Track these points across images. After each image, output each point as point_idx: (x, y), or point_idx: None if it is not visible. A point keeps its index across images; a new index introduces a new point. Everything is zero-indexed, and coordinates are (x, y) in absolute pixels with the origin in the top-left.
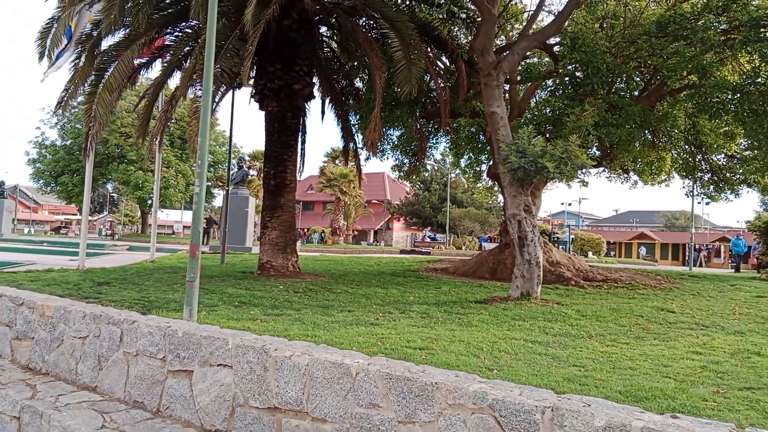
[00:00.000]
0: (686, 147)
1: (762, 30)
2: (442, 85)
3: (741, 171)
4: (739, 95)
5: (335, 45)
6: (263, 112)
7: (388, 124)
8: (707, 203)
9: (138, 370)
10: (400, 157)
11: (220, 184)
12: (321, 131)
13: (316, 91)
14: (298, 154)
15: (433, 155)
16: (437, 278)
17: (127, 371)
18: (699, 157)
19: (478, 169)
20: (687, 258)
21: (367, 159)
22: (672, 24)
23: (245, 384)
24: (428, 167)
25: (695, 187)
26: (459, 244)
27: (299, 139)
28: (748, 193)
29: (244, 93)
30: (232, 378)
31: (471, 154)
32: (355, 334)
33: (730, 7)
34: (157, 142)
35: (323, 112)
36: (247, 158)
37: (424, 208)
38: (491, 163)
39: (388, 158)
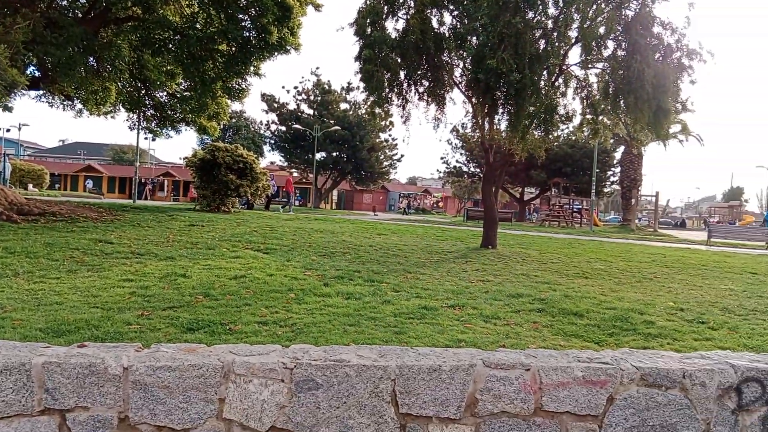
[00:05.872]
0: (131, 80)
1: None
2: None
3: (180, 110)
4: (179, 37)
5: None
6: None
7: None
8: (153, 139)
9: None
10: None
11: None
12: None
13: None
14: None
15: None
16: None
17: None
18: (143, 92)
19: None
20: (133, 191)
21: None
22: None
23: None
24: None
25: (140, 121)
26: None
27: None
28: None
29: None
30: None
31: None
32: None
33: None
34: None
35: None
36: None
37: None
38: None
39: None
